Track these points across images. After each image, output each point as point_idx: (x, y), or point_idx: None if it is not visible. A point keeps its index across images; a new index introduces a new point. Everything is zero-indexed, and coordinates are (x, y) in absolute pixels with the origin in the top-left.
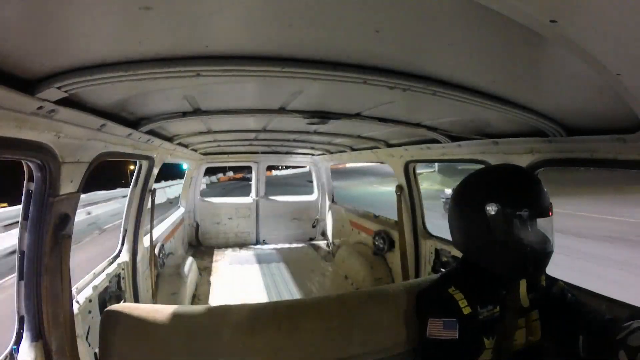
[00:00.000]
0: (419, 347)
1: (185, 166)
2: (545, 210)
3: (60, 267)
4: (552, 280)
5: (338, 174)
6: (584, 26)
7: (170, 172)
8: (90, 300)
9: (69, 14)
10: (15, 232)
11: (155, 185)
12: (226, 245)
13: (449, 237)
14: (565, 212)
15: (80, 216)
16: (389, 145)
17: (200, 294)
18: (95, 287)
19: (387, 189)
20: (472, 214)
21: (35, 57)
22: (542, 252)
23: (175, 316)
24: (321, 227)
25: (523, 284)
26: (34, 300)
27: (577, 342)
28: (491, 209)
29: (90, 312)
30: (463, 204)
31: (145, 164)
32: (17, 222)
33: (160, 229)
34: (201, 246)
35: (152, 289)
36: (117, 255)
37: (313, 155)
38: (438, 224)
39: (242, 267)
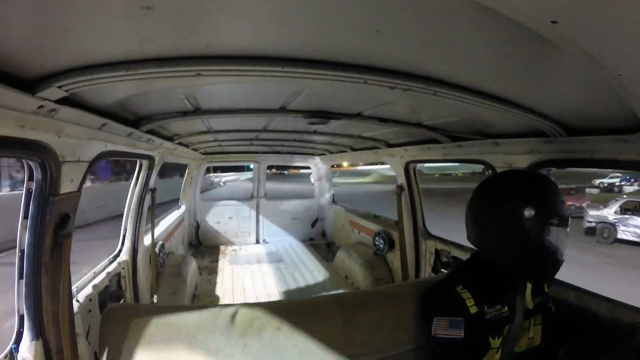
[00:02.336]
0: (425, 346)
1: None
2: (567, 222)
3: (61, 266)
4: (555, 288)
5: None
6: (584, 27)
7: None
8: (90, 299)
9: (70, 14)
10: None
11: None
12: (226, 245)
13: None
14: None
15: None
16: (390, 146)
17: (200, 294)
18: (95, 286)
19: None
20: (505, 214)
21: (36, 56)
22: (559, 257)
23: (175, 315)
24: (321, 227)
25: (529, 287)
26: (34, 299)
27: (577, 345)
28: (528, 213)
29: (90, 311)
30: (493, 204)
31: (145, 163)
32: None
33: (160, 229)
34: (201, 246)
35: (152, 289)
36: (118, 255)
37: (314, 155)
38: None
39: (242, 267)
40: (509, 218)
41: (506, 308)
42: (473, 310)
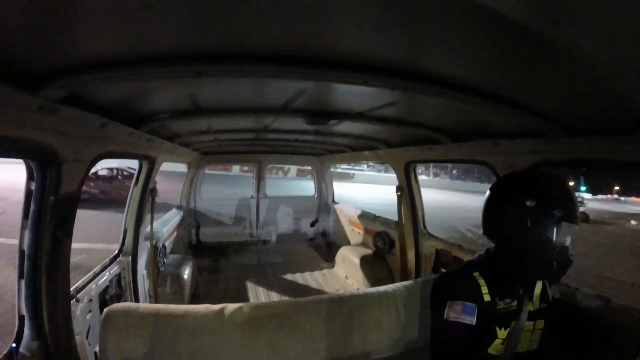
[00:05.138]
0: (432, 330)
1: None
2: (575, 217)
3: (61, 267)
4: (555, 288)
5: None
6: (585, 27)
7: None
8: (90, 300)
9: (71, 13)
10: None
11: None
12: (226, 245)
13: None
14: None
15: None
16: (390, 146)
17: (200, 294)
18: (95, 287)
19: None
20: (512, 206)
21: (37, 55)
22: (566, 257)
23: (175, 316)
24: (322, 227)
25: (538, 287)
26: (34, 299)
27: (576, 346)
28: (530, 203)
29: (90, 311)
30: (503, 197)
31: (146, 163)
32: None
33: (161, 229)
34: (202, 245)
35: (152, 289)
36: (118, 255)
37: (314, 155)
38: None
39: (242, 267)
40: (513, 210)
41: (515, 303)
42: (487, 298)
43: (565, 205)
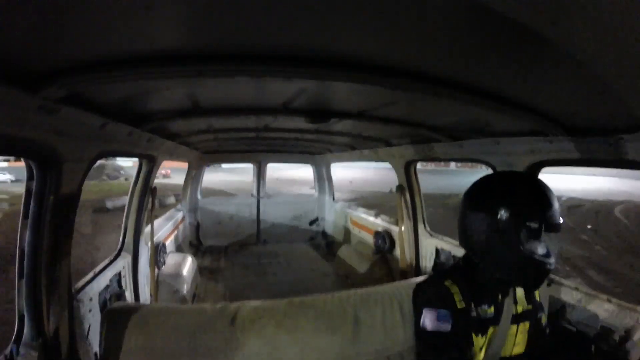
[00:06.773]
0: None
1: None
2: (555, 226)
3: (61, 266)
4: (555, 288)
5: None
6: (584, 27)
7: None
8: (90, 299)
9: (71, 13)
10: None
11: None
12: (227, 245)
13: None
14: None
15: None
16: (390, 145)
17: (200, 293)
18: (95, 286)
19: None
20: (484, 215)
21: (38, 55)
22: (543, 266)
23: (176, 315)
24: (322, 227)
25: (519, 292)
26: (34, 298)
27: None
28: (501, 214)
29: (90, 310)
30: (476, 204)
31: (146, 162)
32: None
33: (161, 228)
34: (202, 245)
35: (152, 288)
36: (118, 254)
37: (314, 154)
38: None
39: (242, 266)
40: (485, 220)
41: (492, 309)
42: (460, 305)
43: (542, 216)
